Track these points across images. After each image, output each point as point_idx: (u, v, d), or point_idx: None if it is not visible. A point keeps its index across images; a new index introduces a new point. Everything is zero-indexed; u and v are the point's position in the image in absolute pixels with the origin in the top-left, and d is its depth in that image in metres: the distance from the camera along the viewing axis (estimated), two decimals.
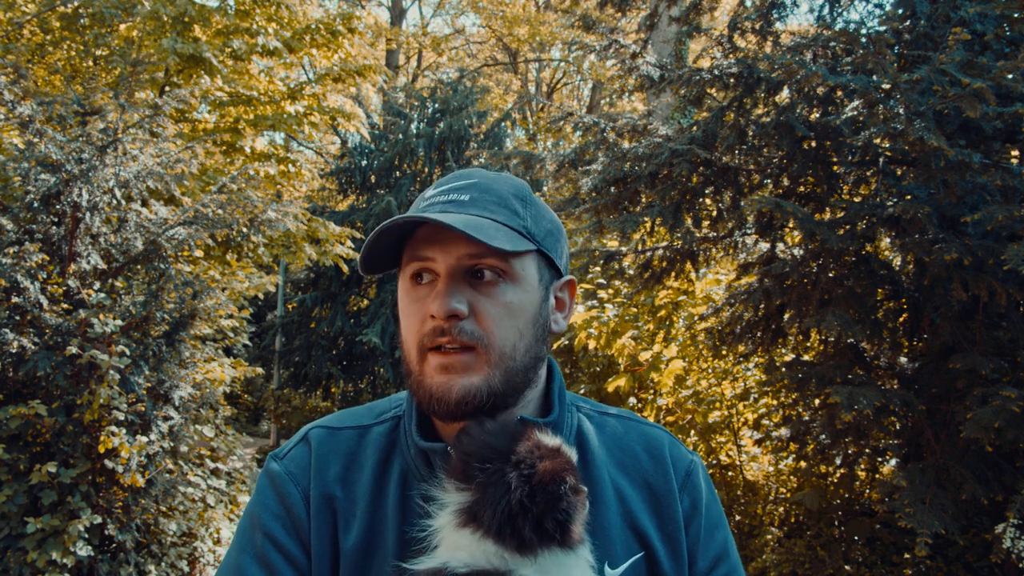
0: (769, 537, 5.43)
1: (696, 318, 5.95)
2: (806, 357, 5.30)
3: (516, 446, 0.91)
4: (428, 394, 1.03)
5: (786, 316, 4.99)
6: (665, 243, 5.42)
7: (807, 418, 5.08)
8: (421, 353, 1.04)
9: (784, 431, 5.29)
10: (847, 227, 4.24)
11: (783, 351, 5.57)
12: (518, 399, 1.07)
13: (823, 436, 4.93)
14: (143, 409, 4.33)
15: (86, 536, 4.00)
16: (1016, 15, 4.12)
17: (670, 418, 6.19)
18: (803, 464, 5.45)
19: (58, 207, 4.42)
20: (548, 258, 1.10)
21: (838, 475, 5.37)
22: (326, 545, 1.06)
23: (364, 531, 1.05)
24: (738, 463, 6.07)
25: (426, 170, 12.92)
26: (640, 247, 5.58)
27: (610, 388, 5.98)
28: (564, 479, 0.88)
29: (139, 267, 4.77)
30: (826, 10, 5.19)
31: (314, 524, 1.06)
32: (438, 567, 0.88)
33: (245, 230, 5.17)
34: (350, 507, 1.07)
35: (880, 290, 4.55)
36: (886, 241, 4.65)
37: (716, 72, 4.55)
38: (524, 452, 0.90)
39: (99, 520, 4.08)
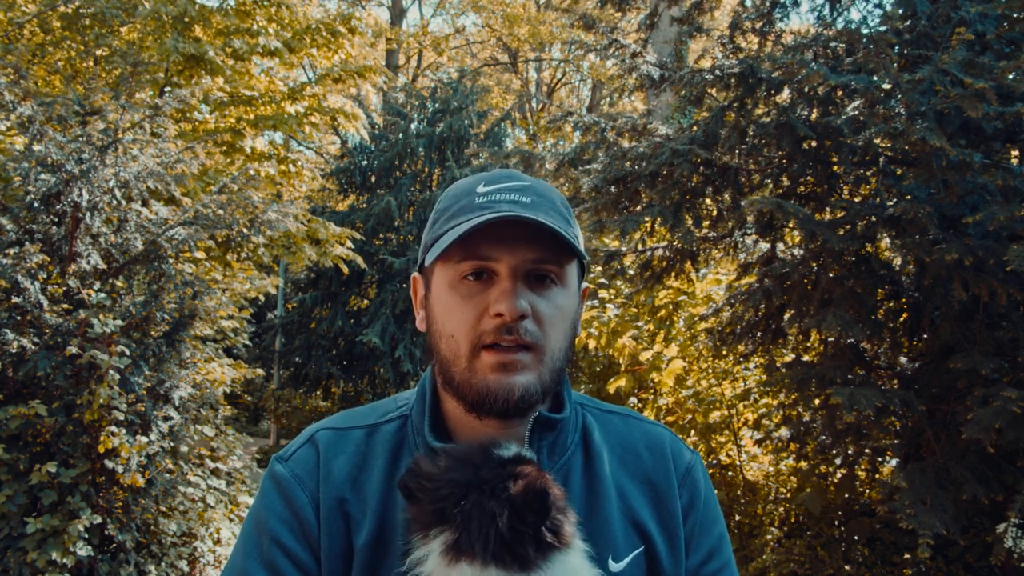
0: (769, 537, 5.42)
1: (696, 318, 5.94)
2: (806, 357, 5.28)
3: (480, 472, 0.90)
4: (483, 391, 1.02)
5: (786, 316, 4.98)
6: (665, 243, 5.42)
7: (807, 418, 5.07)
8: (474, 350, 1.03)
9: (784, 431, 5.28)
10: (847, 227, 4.23)
11: (783, 351, 5.57)
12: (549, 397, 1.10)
13: (823, 436, 4.92)
14: (143, 409, 4.33)
15: (86, 536, 4.00)
16: (1017, 15, 4.12)
17: (670, 418, 6.19)
18: (803, 464, 5.44)
19: (58, 207, 4.42)
20: (583, 265, 1.15)
21: (838, 475, 5.36)
22: (339, 548, 1.06)
23: (375, 530, 1.05)
24: (738, 463, 6.06)
25: (426, 170, 12.92)
26: (640, 247, 5.57)
27: (611, 388, 5.98)
28: (547, 490, 0.88)
29: (139, 267, 4.76)
30: (827, 10, 5.19)
31: (325, 528, 1.06)
32: None
33: (245, 231, 5.17)
34: (361, 508, 1.07)
35: (880, 290, 4.54)
36: (886, 241, 4.63)
37: (717, 72, 4.54)
38: (491, 475, 0.90)
39: (99, 520, 4.08)
